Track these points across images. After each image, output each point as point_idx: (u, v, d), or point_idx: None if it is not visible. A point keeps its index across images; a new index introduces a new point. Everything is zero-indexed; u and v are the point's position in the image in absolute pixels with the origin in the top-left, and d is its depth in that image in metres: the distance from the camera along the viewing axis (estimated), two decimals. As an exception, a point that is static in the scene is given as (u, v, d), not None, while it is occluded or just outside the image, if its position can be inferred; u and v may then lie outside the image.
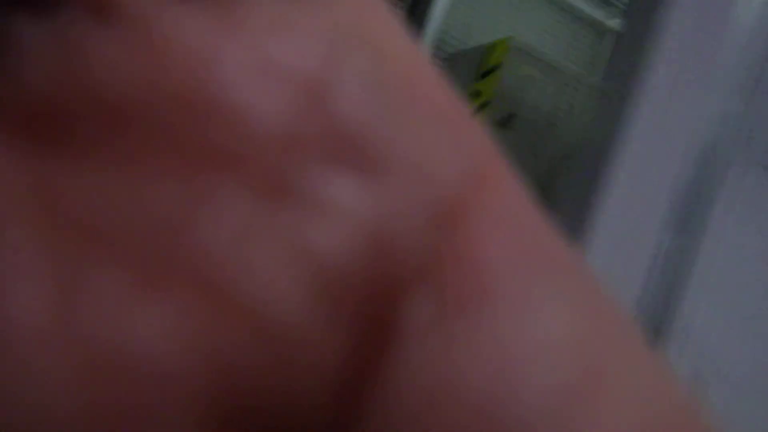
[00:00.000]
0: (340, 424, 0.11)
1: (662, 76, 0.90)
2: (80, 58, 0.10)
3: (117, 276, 0.10)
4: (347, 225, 0.11)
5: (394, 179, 0.11)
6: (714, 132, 0.94)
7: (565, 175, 0.97)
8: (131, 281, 0.10)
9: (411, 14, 1.44)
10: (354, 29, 0.12)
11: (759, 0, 0.95)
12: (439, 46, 1.59)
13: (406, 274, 0.11)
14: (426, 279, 0.11)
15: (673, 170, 0.92)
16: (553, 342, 0.11)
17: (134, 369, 0.10)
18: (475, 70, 1.12)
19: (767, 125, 0.97)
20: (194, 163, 0.11)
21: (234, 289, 0.10)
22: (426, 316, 0.11)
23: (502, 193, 0.12)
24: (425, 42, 1.36)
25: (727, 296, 0.96)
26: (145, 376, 0.10)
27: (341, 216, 0.11)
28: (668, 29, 0.89)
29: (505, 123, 0.98)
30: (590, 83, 1.05)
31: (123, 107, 0.10)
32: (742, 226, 0.97)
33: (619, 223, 0.90)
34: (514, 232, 0.12)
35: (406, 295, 0.11)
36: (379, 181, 0.11)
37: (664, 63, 0.90)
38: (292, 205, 0.11)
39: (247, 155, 0.11)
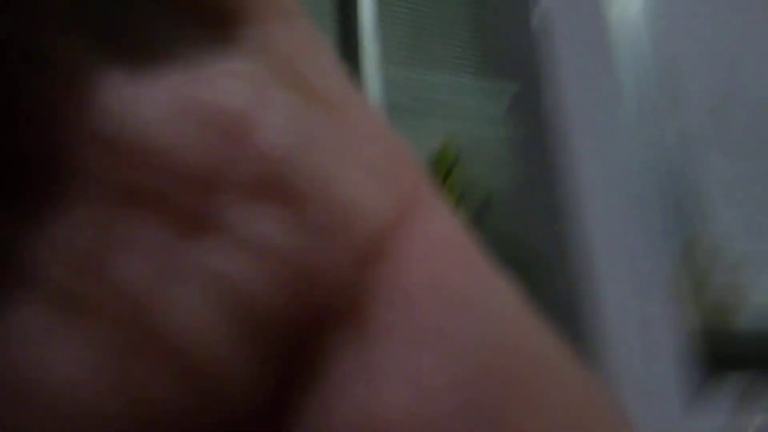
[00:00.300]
0: None
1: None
2: (12, 105, 0.11)
3: (37, 313, 0.10)
4: (269, 261, 0.11)
5: (317, 215, 0.11)
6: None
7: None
8: (51, 319, 0.10)
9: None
10: (285, 69, 0.12)
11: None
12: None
13: (329, 309, 0.11)
14: (348, 314, 0.11)
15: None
16: (467, 374, 0.11)
17: (52, 406, 0.10)
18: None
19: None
20: (115, 202, 0.11)
21: (155, 326, 0.10)
22: (348, 350, 0.11)
23: (430, 225, 0.13)
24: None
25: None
26: (63, 413, 0.10)
27: (263, 252, 0.11)
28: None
29: (485, 209, 0.98)
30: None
31: (46, 152, 0.11)
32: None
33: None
34: (439, 264, 0.12)
35: (329, 329, 0.11)
36: (303, 217, 0.11)
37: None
38: (213, 241, 0.11)
39: (166, 193, 0.11)
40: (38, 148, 0.10)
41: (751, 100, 1.06)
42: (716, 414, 0.91)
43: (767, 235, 1.02)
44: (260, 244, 0.11)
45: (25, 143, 0.10)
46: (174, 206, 0.11)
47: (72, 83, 0.11)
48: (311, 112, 0.12)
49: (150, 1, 0.11)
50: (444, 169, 1.06)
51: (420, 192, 0.13)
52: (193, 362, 0.11)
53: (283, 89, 0.12)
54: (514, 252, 0.90)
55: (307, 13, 0.13)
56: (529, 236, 0.92)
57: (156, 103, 0.11)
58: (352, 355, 0.11)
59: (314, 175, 0.11)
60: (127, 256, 0.11)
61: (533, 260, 0.90)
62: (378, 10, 0.87)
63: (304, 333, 0.11)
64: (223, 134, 0.11)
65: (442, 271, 0.12)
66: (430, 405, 0.11)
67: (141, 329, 0.10)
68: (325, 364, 0.11)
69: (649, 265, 0.92)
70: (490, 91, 0.96)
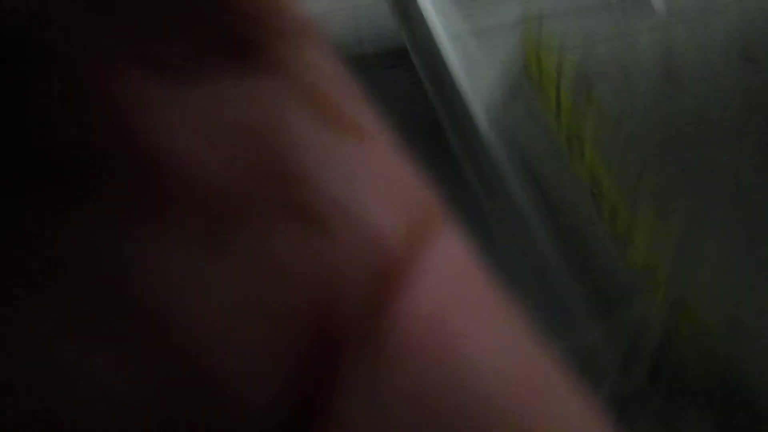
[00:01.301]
0: None
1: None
2: (37, 115, 0.11)
3: (65, 319, 0.10)
4: (289, 284, 0.11)
5: (338, 236, 0.12)
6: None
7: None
8: (78, 326, 0.10)
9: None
10: (309, 93, 0.12)
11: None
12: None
13: (348, 328, 0.12)
14: (366, 334, 0.12)
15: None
16: (487, 396, 0.12)
17: (79, 410, 0.10)
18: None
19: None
20: (134, 214, 0.11)
21: (172, 345, 0.11)
22: (366, 370, 0.12)
23: (444, 247, 0.13)
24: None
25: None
26: (88, 419, 0.10)
27: (283, 270, 0.11)
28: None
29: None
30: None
31: (67, 161, 0.11)
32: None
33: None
34: (451, 286, 0.12)
35: (347, 348, 0.12)
36: (324, 237, 0.12)
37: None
38: (232, 261, 0.11)
39: (187, 209, 0.11)
40: (58, 155, 0.11)
41: None
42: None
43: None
44: (280, 266, 0.11)
45: (43, 148, 0.11)
46: (195, 223, 0.11)
47: (97, 91, 0.11)
48: (333, 135, 0.12)
49: (173, 24, 0.11)
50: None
51: (432, 216, 0.13)
52: (211, 374, 0.11)
53: (306, 112, 0.12)
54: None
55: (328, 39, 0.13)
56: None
57: (181, 119, 0.11)
58: (370, 376, 0.12)
59: (335, 198, 0.12)
60: (144, 270, 0.11)
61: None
62: None
63: (322, 351, 0.11)
64: (246, 153, 0.11)
65: (454, 297, 0.12)
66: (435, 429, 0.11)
67: (158, 348, 0.11)
68: (339, 388, 0.12)
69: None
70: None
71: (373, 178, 0.12)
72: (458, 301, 0.12)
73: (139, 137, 0.11)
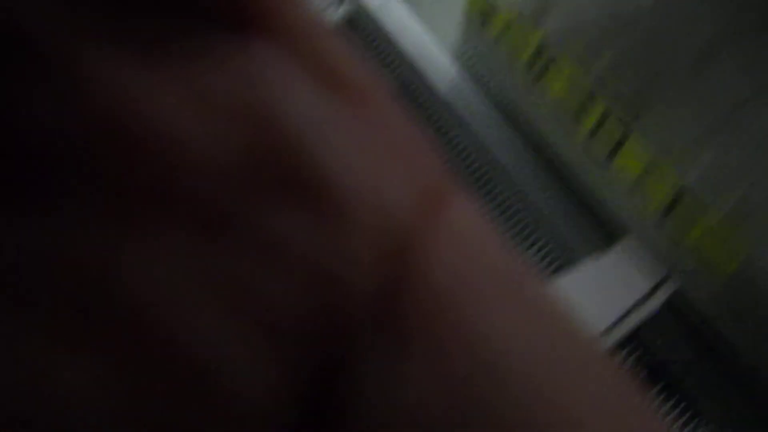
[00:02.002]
0: None
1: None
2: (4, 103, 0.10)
3: (46, 327, 0.09)
4: (294, 266, 0.10)
5: (345, 210, 0.11)
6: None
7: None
8: (59, 334, 0.09)
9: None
10: (308, 59, 0.11)
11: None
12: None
13: (356, 314, 0.11)
14: (375, 318, 0.11)
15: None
16: (504, 371, 0.11)
17: (61, 417, 0.09)
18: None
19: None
20: (129, 200, 0.10)
21: (172, 337, 0.10)
22: (377, 356, 0.11)
23: (455, 217, 0.12)
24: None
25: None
26: (70, 427, 0.09)
27: (288, 254, 0.10)
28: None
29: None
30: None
31: (50, 150, 0.10)
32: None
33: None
34: (466, 256, 0.12)
35: (358, 329, 0.11)
36: (330, 213, 0.11)
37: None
38: (232, 243, 0.10)
39: (182, 189, 0.10)
40: (45, 143, 0.10)
41: None
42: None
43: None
44: (285, 245, 0.11)
45: (31, 137, 0.10)
46: (191, 204, 0.10)
47: (78, 73, 0.10)
48: (335, 101, 0.11)
49: (162, 2, 0.11)
50: None
51: (442, 183, 0.13)
52: (214, 377, 0.10)
53: (306, 78, 0.11)
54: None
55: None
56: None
57: (170, 92, 0.10)
58: (381, 361, 0.11)
59: (340, 170, 0.11)
60: (136, 262, 0.10)
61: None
62: None
63: (332, 337, 0.11)
64: (242, 130, 0.11)
65: (469, 268, 0.12)
66: (459, 411, 0.11)
67: (157, 341, 0.10)
68: (355, 371, 0.11)
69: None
70: None
71: (378, 146, 0.12)
72: (474, 273, 0.12)
73: (128, 119, 0.10)
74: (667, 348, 0.99)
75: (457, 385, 0.11)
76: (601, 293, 0.91)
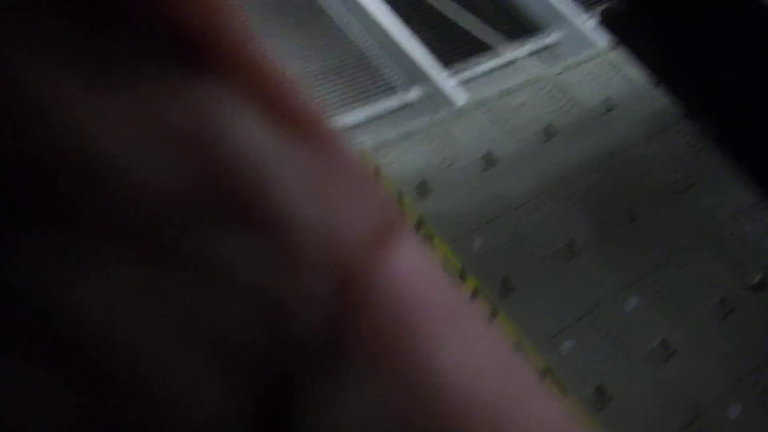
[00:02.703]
0: None
1: None
2: None
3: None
4: (243, 288, 0.11)
5: (295, 243, 0.11)
6: None
7: None
8: (9, 358, 0.10)
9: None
10: (255, 90, 0.12)
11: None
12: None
13: (305, 342, 0.11)
14: (329, 344, 0.11)
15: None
16: (458, 405, 0.11)
17: None
18: None
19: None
20: (74, 229, 0.10)
21: (122, 364, 0.10)
22: (329, 383, 0.11)
23: (403, 253, 0.12)
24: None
25: None
26: None
27: (235, 279, 0.11)
28: None
29: None
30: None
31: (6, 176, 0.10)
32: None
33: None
34: (412, 291, 0.12)
35: (304, 354, 0.11)
36: (276, 245, 0.11)
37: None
38: (180, 270, 0.10)
39: (129, 219, 0.10)
40: None
41: None
42: None
43: None
44: (232, 274, 0.11)
45: None
46: (140, 234, 0.10)
47: (26, 94, 0.10)
48: (286, 135, 0.12)
49: (115, 28, 0.11)
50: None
51: (391, 218, 0.13)
52: (164, 401, 0.10)
53: (257, 111, 0.11)
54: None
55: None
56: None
57: (120, 117, 0.10)
58: (325, 387, 0.11)
59: (288, 199, 0.11)
60: (91, 289, 0.10)
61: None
62: None
63: (280, 363, 0.11)
64: (190, 159, 0.11)
65: (415, 302, 0.12)
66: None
67: (109, 367, 0.10)
68: (300, 394, 0.11)
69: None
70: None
71: (329, 180, 0.12)
72: (420, 307, 0.12)
73: (74, 143, 0.10)
74: None
75: (397, 413, 0.11)
76: None
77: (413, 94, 1.57)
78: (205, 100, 0.11)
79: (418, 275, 0.12)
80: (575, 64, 1.49)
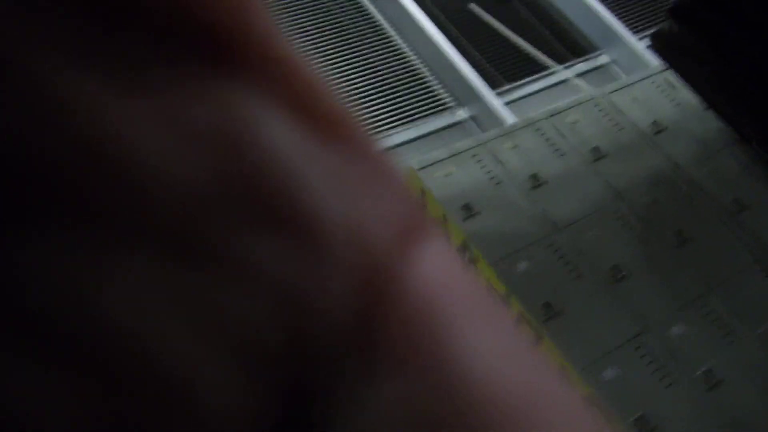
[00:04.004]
0: None
1: None
2: None
3: (25, 347, 0.10)
4: (268, 294, 0.11)
5: (322, 243, 0.11)
6: None
7: None
8: (31, 356, 0.10)
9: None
10: (285, 91, 0.12)
11: None
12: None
13: (330, 342, 0.11)
14: (354, 343, 0.11)
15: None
16: (482, 402, 0.11)
17: None
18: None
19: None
20: (104, 228, 0.10)
21: (147, 364, 0.10)
22: (349, 377, 0.11)
23: (428, 251, 0.13)
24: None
25: None
26: None
27: (259, 277, 0.11)
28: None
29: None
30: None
31: (29, 173, 0.10)
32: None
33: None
34: (437, 290, 0.12)
35: (329, 355, 0.11)
36: (304, 246, 0.11)
37: None
38: (206, 268, 0.10)
39: (156, 216, 0.10)
40: (24, 167, 0.10)
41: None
42: None
43: None
44: (258, 274, 0.11)
45: (8, 161, 0.10)
46: (166, 232, 0.10)
47: (57, 96, 0.10)
48: (312, 132, 0.12)
49: (145, 30, 0.11)
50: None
51: (416, 217, 0.13)
52: (188, 402, 0.10)
53: (284, 110, 0.11)
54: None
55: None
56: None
57: (148, 117, 0.10)
58: (350, 388, 0.11)
59: (316, 199, 0.11)
60: (116, 288, 0.10)
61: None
62: None
63: (304, 363, 0.11)
64: (217, 153, 0.11)
65: (440, 301, 0.12)
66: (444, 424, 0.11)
67: (132, 367, 0.10)
68: (325, 397, 0.11)
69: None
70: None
71: (355, 178, 0.12)
72: (446, 305, 0.12)
73: (103, 145, 0.10)
74: None
75: (426, 412, 0.11)
76: None
77: (463, 113, 1.58)
78: (234, 100, 0.11)
79: (444, 274, 0.12)
80: (626, 85, 1.48)
